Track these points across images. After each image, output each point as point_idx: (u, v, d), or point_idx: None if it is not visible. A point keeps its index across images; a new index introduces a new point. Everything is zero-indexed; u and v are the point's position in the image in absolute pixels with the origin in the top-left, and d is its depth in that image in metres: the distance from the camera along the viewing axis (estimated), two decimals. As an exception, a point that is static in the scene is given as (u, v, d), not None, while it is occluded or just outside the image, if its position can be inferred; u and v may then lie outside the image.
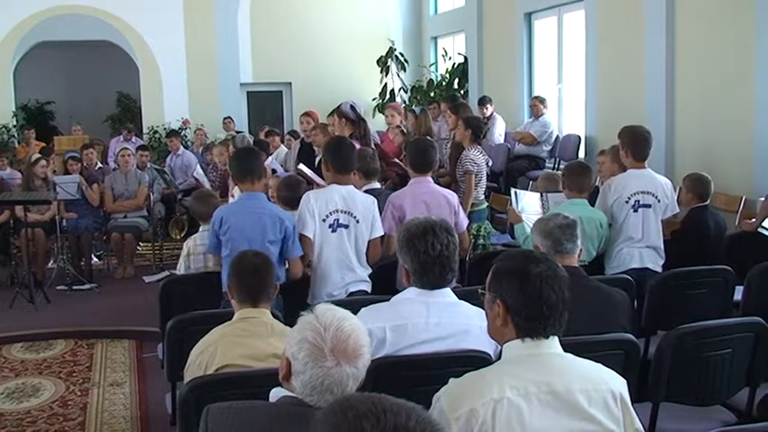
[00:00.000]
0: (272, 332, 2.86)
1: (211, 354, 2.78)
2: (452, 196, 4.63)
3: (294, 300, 3.91)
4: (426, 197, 4.49)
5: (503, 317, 2.09)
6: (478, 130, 6.22)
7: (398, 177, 6.85)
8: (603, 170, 5.50)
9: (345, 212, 4.24)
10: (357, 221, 4.26)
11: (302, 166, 6.26)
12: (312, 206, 4.21)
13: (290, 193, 4.83)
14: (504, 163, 9.34)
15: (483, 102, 9.97)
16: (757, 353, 3.19)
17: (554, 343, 2.08)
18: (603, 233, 4.61)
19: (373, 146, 6.15)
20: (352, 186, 4.39)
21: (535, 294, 2.04)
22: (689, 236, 4.98)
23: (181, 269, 4.84)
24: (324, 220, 4.22)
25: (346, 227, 4.24)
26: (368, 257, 4.34)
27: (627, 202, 4.64)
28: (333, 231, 4.22)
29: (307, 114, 7.65)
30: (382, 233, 4.36)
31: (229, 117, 12.89)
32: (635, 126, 4.91)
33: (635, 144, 4.75)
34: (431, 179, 4.69)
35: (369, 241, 4.31)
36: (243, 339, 2.82)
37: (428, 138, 5.82)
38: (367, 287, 4.31)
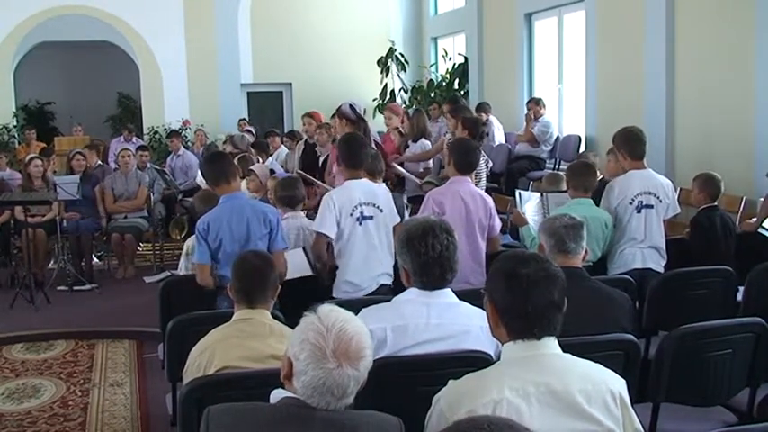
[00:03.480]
0: (272, 333, 2.86)
1: (209, 356, 2.78)
2: (489, 199, 4.66)
3: (292, 301, 3.89)
4: (465, 197, 4.53)
5: (493, 317, 2.11)
6: (475, 130, 6.20)
7: (397, 179, 6.85)
8: (610, 168, 5.47)
9: (369, 204, 4.35)
10: (381, 211, 4.38)
11: (299, 171, 6.27)
12: (334, 205, 4.30)
13: (288, 194, 4.85)
14: (504, 164, 9.33)
15: (481, 108, 9.87)
16: (758, 353, 3.18)
17: (552, 343, 2.08)
18: (608, 233, 4.60)
19: (374, 146, 6.15)
20: (366, 179, 4.50)
21: (521, 295, 2.04)
22: (698, 236, 4.96)
23: (181, 269, 4.86)
24: (351, 215, 4.31)
25: (371, 218, 4.35)
26: None
27: (631, 203, 4.64)
28: (360, 224, 4.32)
29: (309, 115, 7.61)
30: (399, 221, 4.46)
31: (245, 119, 12.93)
32: (626, 127, 4.93)
33: (628, 143, 4.76)
34: (470, 180, 4.72)
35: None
36: (241, 341, 2.82)
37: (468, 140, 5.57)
38: (390, 281, 4.39)
